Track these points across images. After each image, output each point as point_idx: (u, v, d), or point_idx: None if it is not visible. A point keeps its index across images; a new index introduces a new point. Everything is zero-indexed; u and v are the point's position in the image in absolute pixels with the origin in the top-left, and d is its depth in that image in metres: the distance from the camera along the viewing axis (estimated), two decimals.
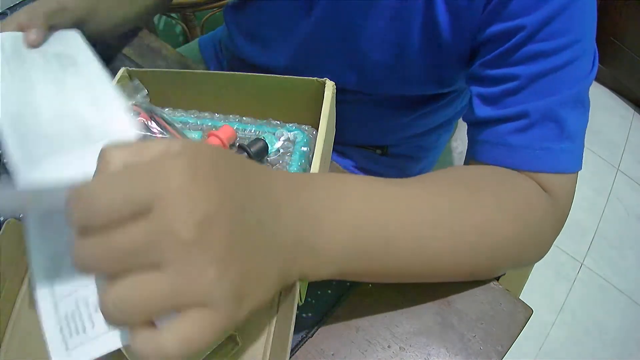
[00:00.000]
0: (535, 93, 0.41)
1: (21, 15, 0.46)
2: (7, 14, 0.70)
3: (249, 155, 0.41)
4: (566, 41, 0.41)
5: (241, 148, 0.41)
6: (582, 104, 0.43)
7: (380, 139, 0.70)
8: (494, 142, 0.43)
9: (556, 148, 0.41)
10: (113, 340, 0.30)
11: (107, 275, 0.22)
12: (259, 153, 0.42)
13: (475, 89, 0.45)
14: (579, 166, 0.42)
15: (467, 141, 0.68)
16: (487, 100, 0.44)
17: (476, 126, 0.45)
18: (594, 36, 0.43)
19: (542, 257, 0.43)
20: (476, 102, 0.45)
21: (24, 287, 0.38)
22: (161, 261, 0.21)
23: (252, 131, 0.46)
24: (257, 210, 0.26)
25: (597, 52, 0.44)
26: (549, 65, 0.41)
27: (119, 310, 0.21)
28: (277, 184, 0.28)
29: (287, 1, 0.55)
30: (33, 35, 0.45)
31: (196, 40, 0.85)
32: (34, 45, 0.45)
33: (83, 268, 0.22)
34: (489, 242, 0.37)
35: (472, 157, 0.46)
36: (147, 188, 0.21)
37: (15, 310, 0.37)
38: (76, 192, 0.21)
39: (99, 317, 0.29)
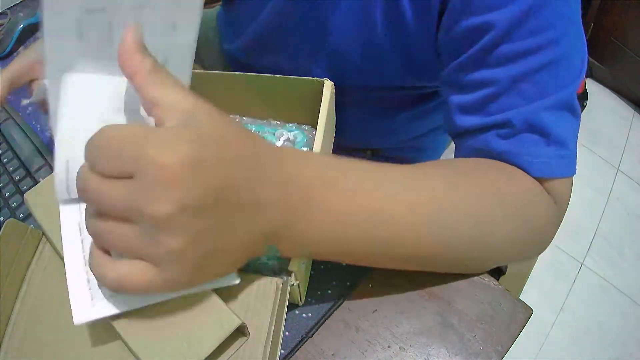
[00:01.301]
0: (516, 98, 0.39)
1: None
2: (7, 14, 0.71)
3: None
4: (545, 40, 0.38)
5: None
6: (570, 109, 0.40)
7: (373, 142, 0.70)
8: (481, 149, 0.41)
9: (544, 154, 0.39)
10: (134, 299, 0.31)
11: (96, 210, 0.27)
12: None
13: (454, 99, 0.43)
14: (571, 171, 0.41)
15: None
16: (466, 109, 0.42)
17: (459, 136, 0.44)
18: (581, 33, 0.40)
19: (540, 252, 0.43)
20: (456, 113, 0.43)
21: (24, 287, 0.38)
22: (135, 220, 0.25)
23: (252, 131, 0.46)
24: (240, 193, 0.27)
25: (586, 51, 0.41)
26: (529, 67, 0.38)
27: (94, 236, 0.27)
28: (272, 166, 0.29)
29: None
30: None
31: (215, 10, 0.83)
32: None
33: (82, 197, 0.27)
34: (487, 236, 0.37)
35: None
36: (135, 153, 0.24)
37: (15, 311, 0.37)
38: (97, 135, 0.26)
39: None
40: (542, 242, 0.43)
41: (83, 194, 0.27)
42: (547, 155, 0.39)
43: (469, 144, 0.43)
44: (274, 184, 0.29)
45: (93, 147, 0.26)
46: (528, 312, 0.43)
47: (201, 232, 0.26)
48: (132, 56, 0.27)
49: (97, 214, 0.27)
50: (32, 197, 0.40)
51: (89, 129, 0.27)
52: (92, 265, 0.28)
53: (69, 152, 0.31)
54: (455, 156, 0.46)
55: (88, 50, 0.31)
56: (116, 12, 0.30)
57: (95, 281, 0.31)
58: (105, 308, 0.31)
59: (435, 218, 0.35)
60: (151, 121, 0.27)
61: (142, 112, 0.28)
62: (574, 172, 0.41)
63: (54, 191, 0.32)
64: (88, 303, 0.31)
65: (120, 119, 0.32)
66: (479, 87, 0.41)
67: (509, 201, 0.38)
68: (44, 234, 0.41)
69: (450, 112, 0.44)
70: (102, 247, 0.28)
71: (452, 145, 0.86)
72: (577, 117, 0.40)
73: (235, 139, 0.28)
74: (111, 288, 0.27)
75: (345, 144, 0.69)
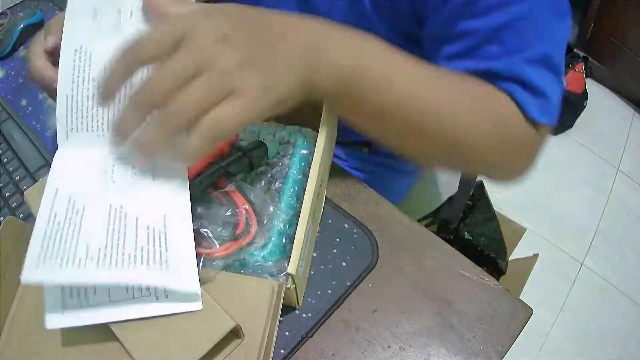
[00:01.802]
0: (498, 49, 0.40)
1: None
2: (7, 14, 0.71)
3: (249, 159, 0.40)
4: None
5: (240, 150, 0.41)
6: (550, 67, 0.40)
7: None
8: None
9: (520, 97, 0.40)
10: (109, 312, 0.32)
11: (162, 103, 0.31)
12: (259, 156, 0.41)
13: (441, 51, 0.44)
14: (548, 119, 0.41)
15: None
16: (452, 58, 0.43)
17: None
18: None
19: (513, 176, 0.45)
20: (441, 61, 0.44)
21: (22, 285, 0.38)
22: (200, 69, 0.31)
23: (253, 133, 0.46)
24: (273, 25, 0.35)
25: (569, 7, 0.41)
26: (509, 17, 0.39)
27: (183, 114, 0.31)
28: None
29: None
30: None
31: None
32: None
33: (149, 101, 0.31)
34: (466, 122, 0.40)
35: None
36: (179, 23, 0.32)
37: (13, 309, 0.37)
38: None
39: (101, 287, 0.33)
40: (514, 158, 0.43)
41: (155, 84, 0.31)
42: (523, 99, 0.40)
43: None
44: (295, 25, 0.36)
45: (144, 44, 0.32)
46: (528, 312, 0.43)
47: (251, 48, 0.32)
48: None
49: (169, 91, 0.31)
50: (32, 195, 0.40)
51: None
52: (201, 130, 0.31)
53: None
54: None
55: (99, 32, 0.38)
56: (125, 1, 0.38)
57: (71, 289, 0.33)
58: (76, 318, 0.32)
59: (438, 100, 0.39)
60: None
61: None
62: (551, 121, 0.42)
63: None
64: (59, 311, 0.32)
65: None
66: (463, 37, 0.42)
67: (487, 107, 0.40)
68: None
69: (437, 62, 0.44)
70: (197, 114, 0.31)
71: None
72: (560, 76, 0.41)
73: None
74: (220, 132, 0.32)
75: (340, 133, 0.69)
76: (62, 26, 0.42)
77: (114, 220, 0.34)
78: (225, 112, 0.31)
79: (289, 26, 0.35)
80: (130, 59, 0.32)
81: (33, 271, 0.31)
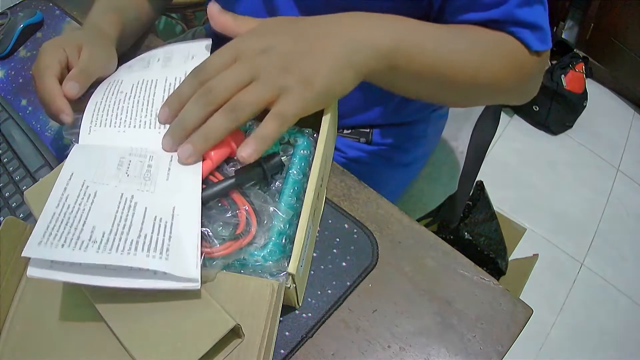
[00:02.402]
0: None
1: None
2: (7, 14, 0.71)
3: (263, 170, 0.40)
4: None
5: (256, 160, 0.41)
6: (539, 1, 0.47)
7: (366, 117, 0.69)
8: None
9: (523, 36, 0.47)
10: (98, 255, 0.32)
11: (226, 99, 0.38)
12: (274, 168, 0.41)
13: (445, 7, 0.49)
14: (547, 45, 0.49)
15: (467, 141, 0.68)
16: (454, 12, 0.48)
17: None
18: None
19: (527, 97, 0.54)
20: (448, 17, 0.49)
21: (22, 285, 0.38)
22: (253, 76, 0.38)
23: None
24: (310, 30, 0.41)
25: None
26: None
27: (242, 109, 0.38)
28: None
29: None
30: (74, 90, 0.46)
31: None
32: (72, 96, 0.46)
33: (215, 98, 0.38)
34: (490, 65, 0.47)
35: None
36: (232, 46, 0.40)
37: (13, 308, 0.37)
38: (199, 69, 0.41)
39: (101, 223, 0.34)
40: (524, 78, 0.51)
41: (219, 84, 0.38)
42: (528, 37, 0.47)
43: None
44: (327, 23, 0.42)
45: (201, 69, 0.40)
46: (528, 312, 0.43)
47: (292, 53, 0.39)
48: (219, 17, 0.43)
49: (232, 90, 0.38)
50: (32, 195, 0.40)
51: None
52: (262, 132, 0.38)
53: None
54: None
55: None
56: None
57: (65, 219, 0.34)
58: (61, 275, 0.32)
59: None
60: None
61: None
62: (549, 46, 0.49)
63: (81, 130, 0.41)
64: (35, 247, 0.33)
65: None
66: None
67: (504, 53, 0.48)
68: None
69: (444, 17, 0.50)
70: (253, 113, 0.38)
71: (452, 145, 0.86)
72: (544, 4, 0.48)
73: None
74: (283, 125, 0.38)
75: (341, 122, 0.69)
76: (84, 71, 0.47)
77: (122, 208, 0.35)
78: (280, 107, 0.38)
79: (325, 27, 0.42)
80: (200, 76, 0.40)
81: (35, 247, 0.32)
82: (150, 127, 0.41)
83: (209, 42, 0.49)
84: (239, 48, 0.40)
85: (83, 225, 0.34)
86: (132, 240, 0.33)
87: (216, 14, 0.44)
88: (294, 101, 0.38)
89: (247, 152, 0.37)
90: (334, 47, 0.40)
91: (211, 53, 0.43)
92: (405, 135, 0.73)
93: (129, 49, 0.65)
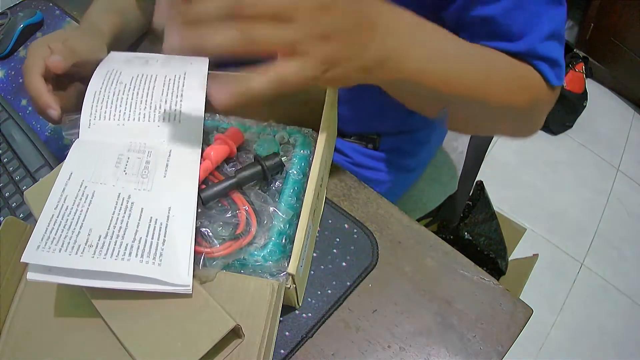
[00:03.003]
0: (514, 31, 0.45)
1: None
2: (7, 14, 0.71)
3: (263, 169, 0.40)
4: None
5: (256, 161, 0.41)
6: (559, 39, 0.47)
7: (373, 126, 0.69)
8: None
9: (542, 69, 0.47)
10: (94, 260, 0.32)
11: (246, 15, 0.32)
12: (274, 168, 0.41)
13: (461, 35, 0.47)
14: (561, 81, 0.49)
15: (467, 141, 0.68)
16: (472, 38, 0.47)
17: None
18: None
19: (534, 130, 0.54)
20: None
21: (22, 285, 0.38)
22: (290, 19, 0.32)
23: (253, 133, 0.46)
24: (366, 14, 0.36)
25: None
26: (514, 3, 0.44)
27: (263, 38, 0.32)
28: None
29: None
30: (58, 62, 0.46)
31: None
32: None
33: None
34: (509, 95, 0.46)
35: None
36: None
37: (13, 308, 0.37)
38: None
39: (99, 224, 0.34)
40: (536, 121, 0.52)
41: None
42: (546, 71, 0.47)
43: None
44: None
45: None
46: (528, 312, 0.43)
47: (343, 28, 0.34)
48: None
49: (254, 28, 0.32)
50: (32, 195, 0.40)
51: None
52: (278, 71, 0.32)
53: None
54: None
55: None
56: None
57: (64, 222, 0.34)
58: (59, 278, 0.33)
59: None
60: None
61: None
62: (560, 83, 0.49)
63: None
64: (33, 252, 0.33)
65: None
66: (480, 24, 0.46)
67: (520, 72, 0.47)
68: None
69: None
70: (267, 49, 0.32)
71: (452, 145, 0.86)
72: (562, 43, 0.48)
73: None
74: (279, 82, 0.33)
75: (346, 127, 0.68)
76: (68, 47, 0.45)
77: (119, 209, 0.35)
78: (288, 68, 0.33)
79: (378, 18, 0.37)
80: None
81: (33, 253, 0.32)
82: (149, 120, 0.41)
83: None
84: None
85: (80, 228, 0.34)
86: (127, 244, 0.33)
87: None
88: (302, 68, 0.33)
89: (260, 80, 0.32)
90: (369, 53, 0.36)
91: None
92: (411, 141, 0.73)
93: (127, 49, 0.65)
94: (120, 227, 0.34)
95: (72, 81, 0.50)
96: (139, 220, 0.35)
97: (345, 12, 0.34)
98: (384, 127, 0.70)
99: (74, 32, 0.52)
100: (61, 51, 0.46)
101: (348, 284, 0.44)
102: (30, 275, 0.32)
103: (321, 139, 0.40)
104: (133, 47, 0.66)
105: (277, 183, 0.42)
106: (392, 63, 0.38)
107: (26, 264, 0.32)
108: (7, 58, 0.68)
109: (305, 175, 0.43)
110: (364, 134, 0.71)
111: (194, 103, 0.43)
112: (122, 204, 0.36)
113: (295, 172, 0.42)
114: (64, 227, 0.34)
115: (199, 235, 0.37)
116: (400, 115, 0.69)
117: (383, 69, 0.38)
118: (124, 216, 0.35)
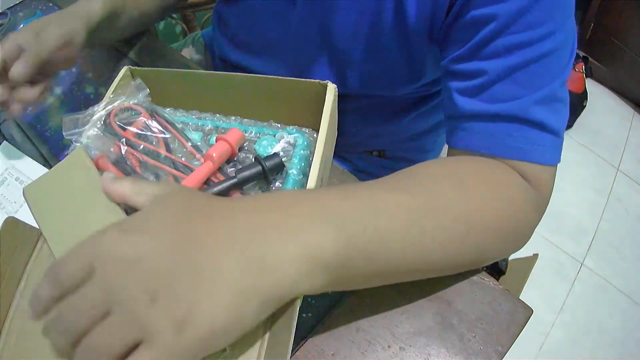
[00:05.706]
0: (508, 89, 0.40)
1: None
2: (7, 14, 0.71)
3: (264, 169, 0.40)
4: (543, 33, 0.39)
5: (257, 161, 0.41)
6: (560, 101, 0.41)
7: (378, 143, 0.70)
8: (475, 130, 0.42)
9: (540, 141, 0.41)
10: None
11: (76, 334, 0.26)
12: (274, 168, 0.41)
13: (452, 84, 0.44)
14: (559, 159, 0.43)
15: None
16: (464, 92, 0.43)
17: (454, 118, 0.45)
18: (574, 24, 0.42)
19: (522, 246, 0.42)
20: (454, 95, 0.44)
21: (22, 285, 0.38)
22: (109, 308, 0.25)
23: (253, 133, 0.46)
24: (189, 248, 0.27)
25: (575, 41, 0.42)
26: (523, 59, 0.39)
27: (95, 355, 0.25)
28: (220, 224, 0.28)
29: (266, 3, 0.56)
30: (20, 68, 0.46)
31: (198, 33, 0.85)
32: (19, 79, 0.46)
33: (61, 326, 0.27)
34: (475, 234, 0.36)
35: (454, 145, 0.45)
36: (87, 255, 0.26)
37: (12, 308, 0.37)
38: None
39: None
40: (523, 236, 0.42)
41: (60, 322, 0.27)
42: (544, 143, 0.41)
43: (464, 125, 0.43)
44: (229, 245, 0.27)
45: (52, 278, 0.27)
46: (528, 312, 0.43)
47: (167, 276, 0.25)
48: (115, 188, 0.32)
49: (80, 332, 0.26)
50: (31, 191, 0.40)
51: None
52: None
53: None
54: (447, 140, 0.46)
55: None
56: None
57: None
58: None
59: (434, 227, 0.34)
60: None
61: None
62: (559, 160, 0.43)
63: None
64: None
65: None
66: (471, 77, 0.42)
67: (494, 200, 0.38)
68: (39, 228, 0.41)
69: (450, 94, 0.44)
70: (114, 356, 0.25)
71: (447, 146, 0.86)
72: (567, 105, 0.42)
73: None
74: None
75: (351, 146, 0.69)
76: (41, 40, 0.46)
77: None
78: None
79: (222, 230, 0.27)
80: (54, 283, 0.27)
81: None
82: None
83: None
84: (95, 254, 0.26)
85: None
86: None
87: (109, 186, 0.33)
88: (157, 355, 0.24)
89: None
90: (229, 265, 0.26)
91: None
92: (416, 148, 0.73)
93: (127, 49, 0.65)
94: None
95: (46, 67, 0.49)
96: None
97: (159, 246, 0.26)
98: (388, 143, 0.71)
99: (52, 17, 0.51)
100: (31, 47, 0.46)
101: None
102: None
103: (321, 139, 0.40)
104: (132, 46, 0.66)
105: (277, 183, 0.42)
106: (271, 276, 0.27)
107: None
108: None
109: (305, 175, 0.43)
110: (370, 151, 0.71)
111: None
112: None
113: (295, 172, 0.42)
114: None
115: None
116: (405, 134, 0.69)
117: (266, 289, 0.27)
118: None
